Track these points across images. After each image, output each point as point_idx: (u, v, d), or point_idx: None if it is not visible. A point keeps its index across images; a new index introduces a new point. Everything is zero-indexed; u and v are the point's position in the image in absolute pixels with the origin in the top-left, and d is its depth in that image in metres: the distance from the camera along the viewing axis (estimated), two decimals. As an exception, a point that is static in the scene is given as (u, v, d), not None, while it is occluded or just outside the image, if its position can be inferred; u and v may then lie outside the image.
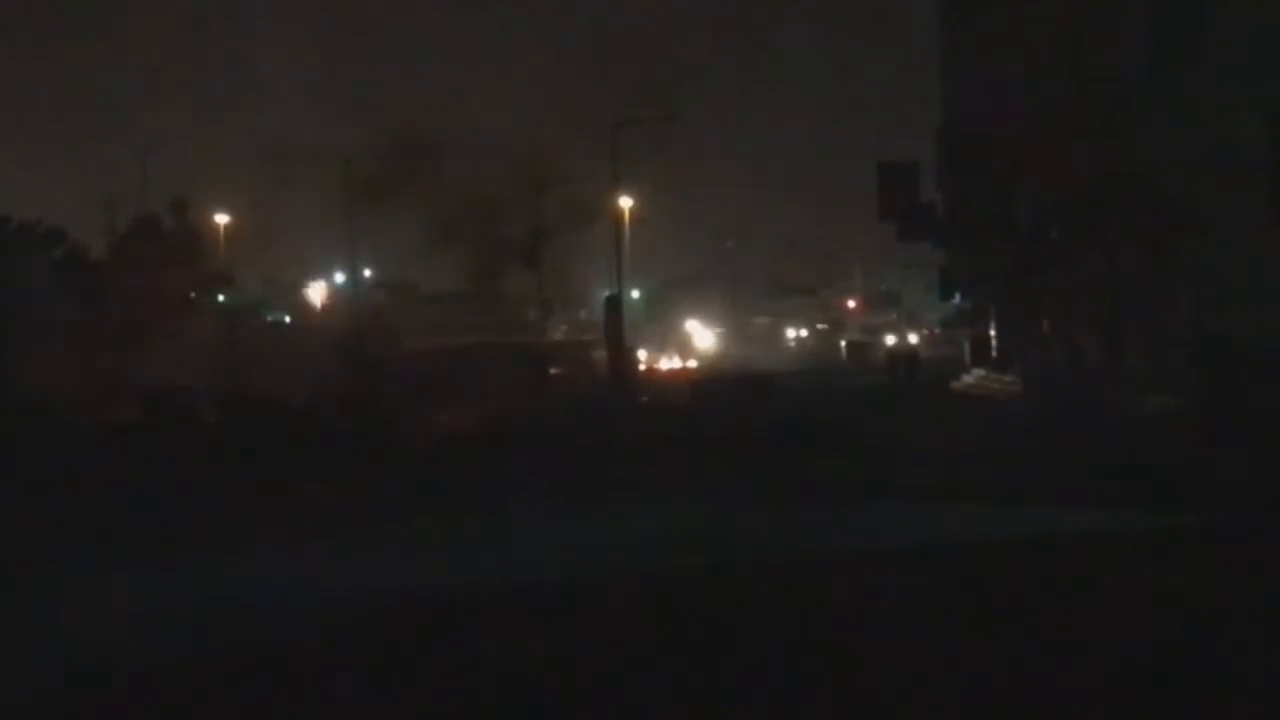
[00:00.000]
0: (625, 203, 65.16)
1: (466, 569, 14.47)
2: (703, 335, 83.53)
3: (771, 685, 9.65)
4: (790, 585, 13.25)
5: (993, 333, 50.99)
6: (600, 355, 55.52)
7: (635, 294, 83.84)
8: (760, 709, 9.18)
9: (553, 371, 57.48)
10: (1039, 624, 11.17)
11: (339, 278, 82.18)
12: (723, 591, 13.03)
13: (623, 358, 51.88)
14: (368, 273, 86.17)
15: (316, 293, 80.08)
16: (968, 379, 48.02)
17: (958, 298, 56.10)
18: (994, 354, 49.84)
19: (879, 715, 9.01)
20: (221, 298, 67.05)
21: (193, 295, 65.40)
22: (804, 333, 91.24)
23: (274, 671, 10.56)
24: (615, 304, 55.96)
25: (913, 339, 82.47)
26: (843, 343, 77.04)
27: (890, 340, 78.41)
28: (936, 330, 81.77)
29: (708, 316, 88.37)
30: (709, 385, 46.49)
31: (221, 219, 71.28)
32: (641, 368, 58.99)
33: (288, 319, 73.13)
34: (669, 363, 70.34)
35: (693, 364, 70.81)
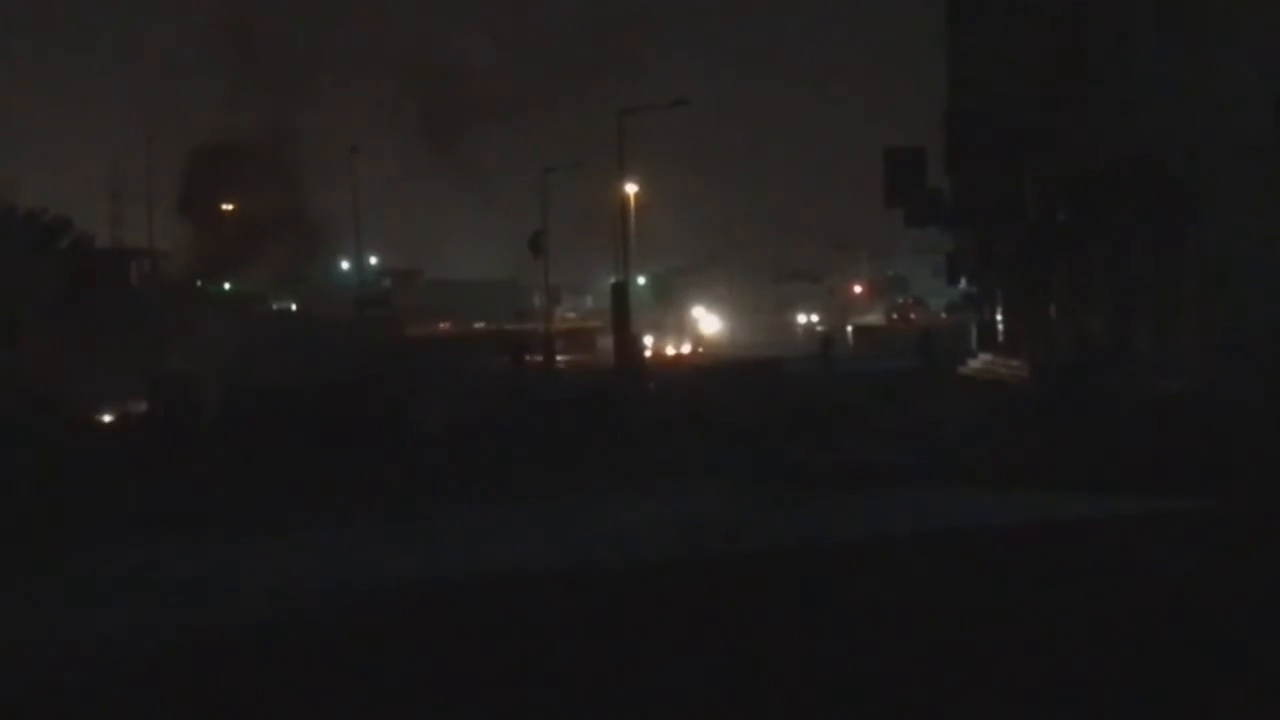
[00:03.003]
0: (631, 189, 65.02)
1: (472, 558, 14.46)
2: (709, 321, 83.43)
3: (777, 671, 9.63)
4: (794, 572, 13.24)
5: (999, 317, 50.90)
6: (606, 341, 55.53)
7: (641, 281, 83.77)
8: (766, 695, 9.16)
9: (560, 358, 57.51)
10: (1043, 610, 11.15)
11: (344, 265, 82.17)
12: (727, 579, 13.00)
13: (629, 344, 51.85)
14: (374, 260, 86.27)
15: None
16: (974, 364, 47.96)
17: (964, 283, 56.01)
18: (1000, 339, 49.76)
19: (885, 701, 8.99)
20: (228, 285, 67.06)
21: (199, 283, 65.41)
22: (815, 318, 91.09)
23: (279, 661, 10.56)
24: (621, 291, 55.91)
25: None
26: (849, 328, 76.96)
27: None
28: (911, 315, 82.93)
29: (714, 303, 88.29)
30: (714, 371, 46.46)
31: (226, 206, 71.17)
32: (648, 354, 58.95)
33: (294, 307, 73.10)
34: (674, 349, 70.30)
35: (700, 350, 70.80)
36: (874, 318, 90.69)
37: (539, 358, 55.61)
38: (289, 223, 68.83)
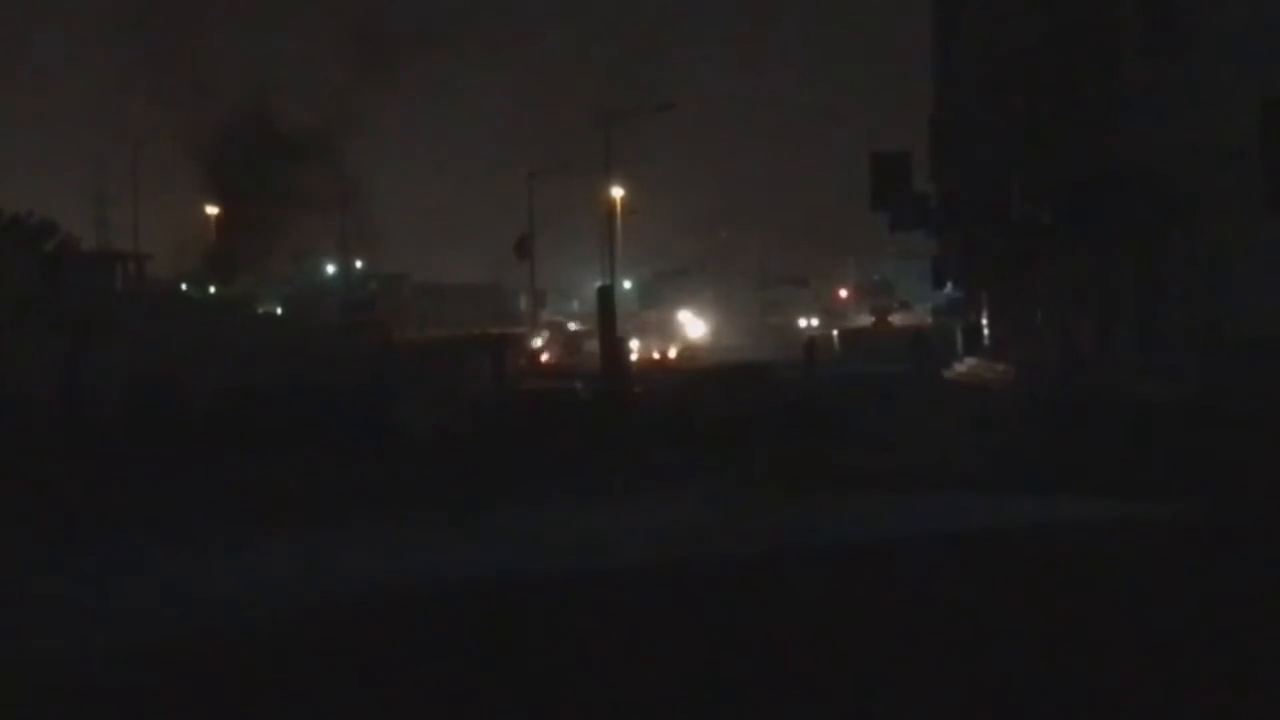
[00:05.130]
0: (617, 193, 65.12)
1: (463, 563, 14.40)
2: (695, 326, 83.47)
3: (767, 677, 9.59)
4: (787, 576, 13.20)
5: (985, 321, 50.98)
6: (593, 345, 55.45)
7: (627, 285, 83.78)
8: (757, 701, 9.11)
9: (544, 359, 57.49)
10: (1033, 614, 11.13)
11: (329, 269, 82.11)
12: (715, 584, 12.96)
13: (615, 348, 51.79)
14: (359, 264, 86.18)
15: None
16: (960, 368, 48.01)
17: (950, 287, 56.08)
18: (986, 343, 49.84)
19: (874, 706, 8.95)
20: (213, 289, 66.97)
21: (183, 286, 65.32)
22: (815, 322, 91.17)
23: (268, 667, 10.50)
24: (607, 295, 55.83)
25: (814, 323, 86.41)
26: (834, 333, 77.03)
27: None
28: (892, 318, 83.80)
29: (700, 307, 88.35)
30: (700, 375, 46.46)
31: (211, 210, 71.09)
32: (634, 358, 58.91)
33: (279, 310, 72.99)
34: (659, 353, 70.28)
35: (686, 354, 70.79)
36: (865, 321, 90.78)
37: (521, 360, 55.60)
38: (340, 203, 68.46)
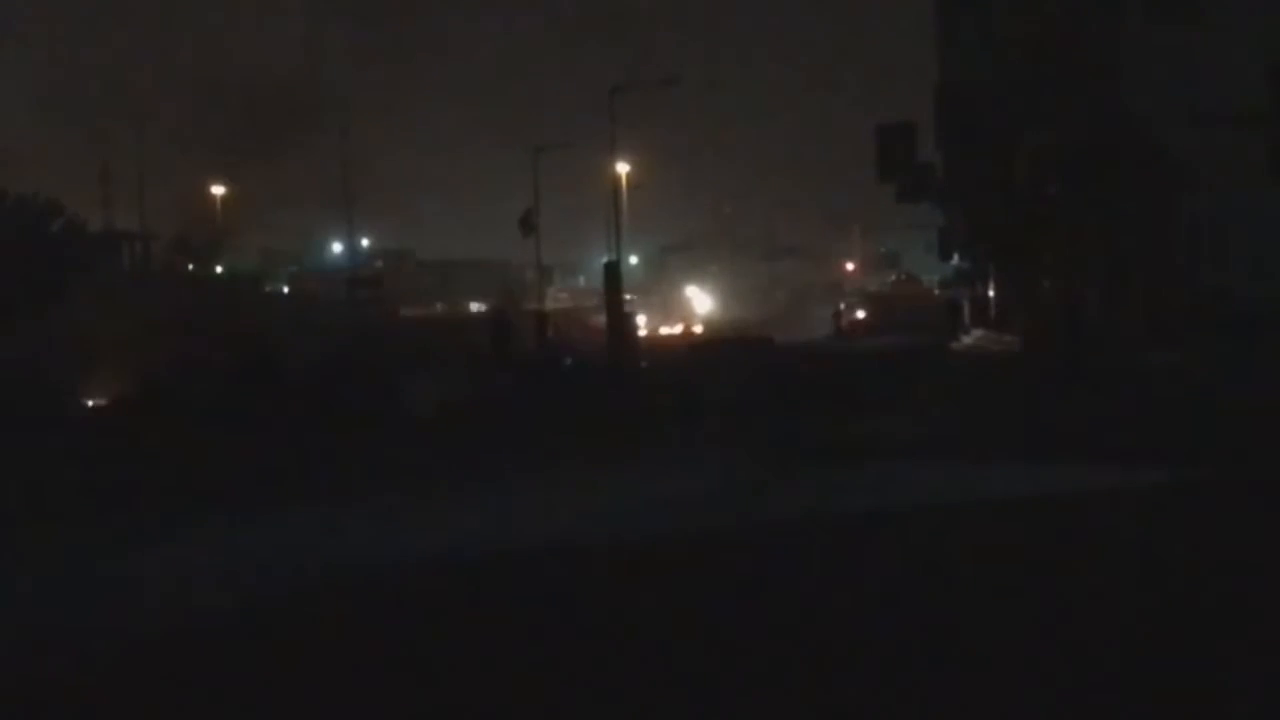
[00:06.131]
0: (623, 168, 65.02)
1: (470, 537, 14.44)
2: (702, 300, 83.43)
3: (780, 647, 9.63)
4: (798, 546, 13.24)
5: (991, 293, 50.92)
6: (600, 321, 55.53)
7: (634, 260, 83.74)
8: (769, 673, 9.15)
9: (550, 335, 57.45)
10: (1037, 583, 11.17)
11: (336, 247, 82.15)
12: (728, 554, 13.00)
13: (622, 324, 51.79)
14: (365, 242, 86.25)
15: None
16: (966, 340, 47.96)
17: (956, 258, 56.01)
18: (992, 314, 49.79)
19: (881, 675, 9.00)
20: (220, 269, 67.05)
21: (190, 266, 65.42)
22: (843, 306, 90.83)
23: (271, 645, 10.56)
24: (614, 270, 55.79)
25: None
26: (841, 305, 77.02)
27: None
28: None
29: (707, 280, 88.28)
30: (710, 350, 46.46)
31: (218, 189, 71.07)
32: (641, 333, 58.90)
33: (286, 289, 73.08)
34: (668, 328, 70.23)
35: (696, 329, 70.75)
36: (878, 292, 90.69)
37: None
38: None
